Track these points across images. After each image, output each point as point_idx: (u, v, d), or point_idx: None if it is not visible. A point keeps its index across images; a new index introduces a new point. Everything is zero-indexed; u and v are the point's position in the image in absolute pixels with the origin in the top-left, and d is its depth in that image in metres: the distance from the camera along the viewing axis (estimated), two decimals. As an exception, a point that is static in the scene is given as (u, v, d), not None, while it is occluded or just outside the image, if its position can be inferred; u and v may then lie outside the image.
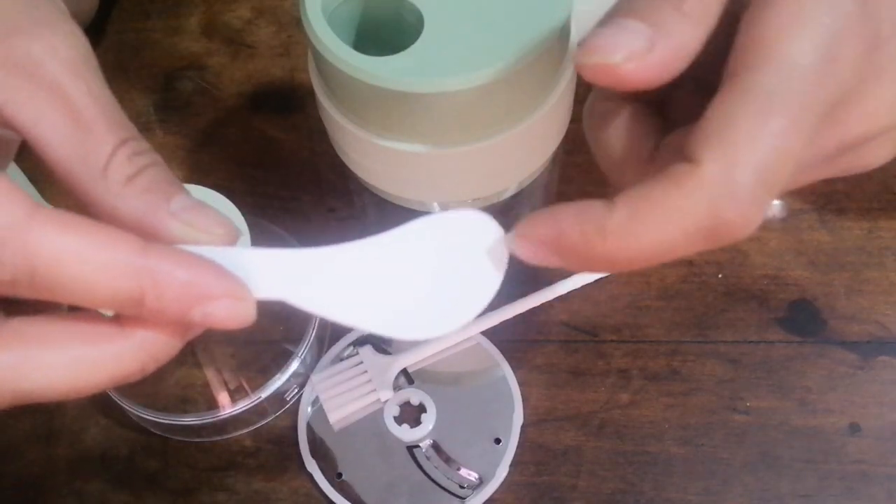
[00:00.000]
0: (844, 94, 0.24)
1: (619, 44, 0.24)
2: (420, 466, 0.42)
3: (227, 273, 0.23)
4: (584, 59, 0.24)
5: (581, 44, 0.25)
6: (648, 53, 0.24)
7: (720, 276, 0.46)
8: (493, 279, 0.26)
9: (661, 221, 0.23)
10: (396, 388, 0.43)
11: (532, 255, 0.25)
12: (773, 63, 0.23)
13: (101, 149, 0.24)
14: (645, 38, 0.24)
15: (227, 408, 0.42)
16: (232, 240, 0.24)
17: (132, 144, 0.25)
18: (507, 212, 0.44)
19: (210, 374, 0.43)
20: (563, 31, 0.33)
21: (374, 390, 0.42)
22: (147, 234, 0.23)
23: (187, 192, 0.25)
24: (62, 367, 0.23)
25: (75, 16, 0.26)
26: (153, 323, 0.23)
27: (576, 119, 0.33)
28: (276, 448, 0.44)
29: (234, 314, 0.23)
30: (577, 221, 0.24)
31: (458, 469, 0.42)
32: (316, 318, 0.44)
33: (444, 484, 0.41)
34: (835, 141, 0.25)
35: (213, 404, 0.42)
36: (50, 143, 0.24)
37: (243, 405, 0.42)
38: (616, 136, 0.27)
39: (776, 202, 0.28)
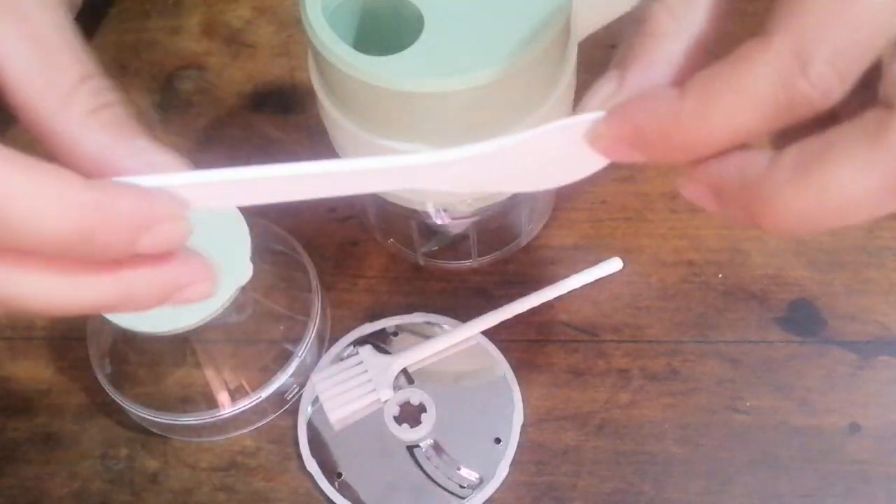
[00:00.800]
0: None
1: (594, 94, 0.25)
2: (420, 466, 0.42)
3: (164, 194, 0.23)
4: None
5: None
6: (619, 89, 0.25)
7: (720, 276, 0.46)
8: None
9: (732, 99, 0.22)
10: (396, 387, 0.43)
11: (612, 152, 0.25)
12: None
13: (66, 78, 0.24)
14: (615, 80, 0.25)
15: (227, 408, 0.42)
16: None
17: (97, 80, 0.25)
18: (506, 212, 0.44)
19: (210, 374, 0.43)
20: (563, 31, 0.33)
21: (374, 390, 0.42)
22: (107, 169, 0.24)
23: (147, 135, 0.25)
24: (48, 289, 0.23)
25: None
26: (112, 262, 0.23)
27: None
28: (276, 448, 0.44)
29: (173, 236, 0.24)
30: (651, 116, 0.23)
31: (458, 469, 0.42)
32: (316, 317, 0.44)
33: (444, 484, 0.41)
34: None
35: (213, 404, 0.42)
36: (15, 70, 0.24)
37: (243, 405, 0.42)
38: None
39: None
